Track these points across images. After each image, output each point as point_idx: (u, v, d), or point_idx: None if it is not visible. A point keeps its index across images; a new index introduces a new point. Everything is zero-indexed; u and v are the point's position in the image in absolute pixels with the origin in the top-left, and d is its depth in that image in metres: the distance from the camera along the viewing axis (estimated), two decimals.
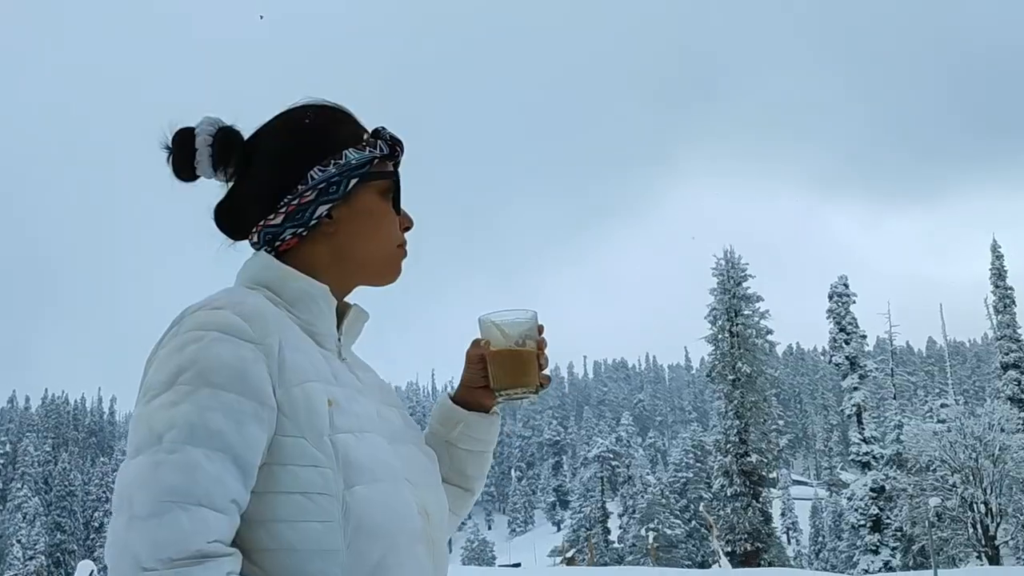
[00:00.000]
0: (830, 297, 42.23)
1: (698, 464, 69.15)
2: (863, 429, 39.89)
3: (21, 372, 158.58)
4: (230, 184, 1.43)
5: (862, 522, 39.10)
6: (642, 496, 64.39)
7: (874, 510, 38.74)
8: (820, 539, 71.67)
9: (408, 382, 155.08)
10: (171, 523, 1.13)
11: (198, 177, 1.41)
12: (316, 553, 1.22)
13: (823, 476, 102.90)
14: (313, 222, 1.38)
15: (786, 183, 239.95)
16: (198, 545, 1.14)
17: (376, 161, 1.43)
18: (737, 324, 42.29)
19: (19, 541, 66.28)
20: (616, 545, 67.15)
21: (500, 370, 1.51)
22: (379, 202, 1.43)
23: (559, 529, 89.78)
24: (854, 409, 40.37)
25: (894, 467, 38.77)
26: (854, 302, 41.97)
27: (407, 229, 1.47)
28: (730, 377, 41.94)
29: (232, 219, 1.42)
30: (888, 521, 38.53)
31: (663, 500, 62.57)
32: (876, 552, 38.74)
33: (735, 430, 41.47)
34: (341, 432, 1.27)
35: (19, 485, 77.42)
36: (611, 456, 72.73)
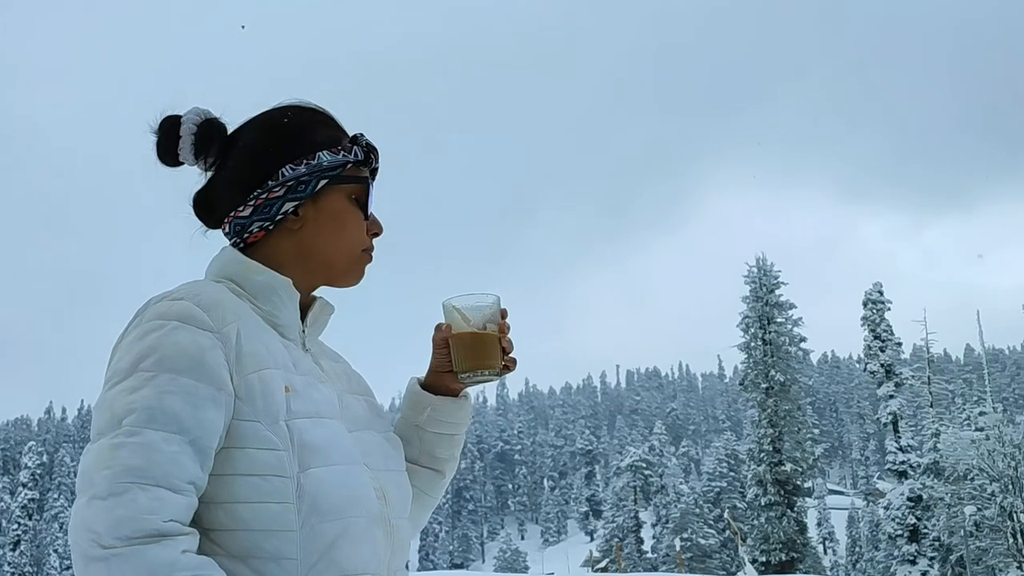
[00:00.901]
0: (864, 304, 41.75)
1: (732, 473, 68.70)
2: (899, 438, 39.37)
3: (57, 383, 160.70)
4: (210, 174, 1.50)
5: (899, 532, 38.56)
6: (675, 505, 64.06)
7: (911, 520, 38.21)
8: (857, 549, 70.80)
9: None
10: (129, 502, 1.18)
11: (181, 163, 1.48)
12: (272, 532, 1.28)
13: (860, 485, 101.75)
14: (279, 217, 1.44)
15: (822, 191, 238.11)
16: (155, 524, 1.19)
17: (349, 166, 1.47)
18: (770, 332, 41.93)
19: (56, 551, 66.99)
20: (650, 555, 66.74)
21: (461, 353, 1.55)
22: (346, 205, 1.48)
23: (592, 539, 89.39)
24: (890, 417, 39.85)
25: (931, 476, 38.23)
26: (889, 309, 41.46)
27: (375, 235, 1.49)
28: (763, 385, 41.58)
29: (208, 207, 1.50)
30: (926, 531, 37.98)
31: (696, 509, 62.18)
32: (913, 562, 38.18)
33: (768, 439, 41.08)
34: (298, 417, 1.33)
35: (56, 495, 78.26)
36: (644, 465, 72.34)
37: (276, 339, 1.40)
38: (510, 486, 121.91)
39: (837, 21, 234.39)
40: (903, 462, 39.23)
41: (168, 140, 1.47)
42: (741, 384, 43.95)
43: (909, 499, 38.53)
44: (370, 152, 1.50)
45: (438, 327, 1.57)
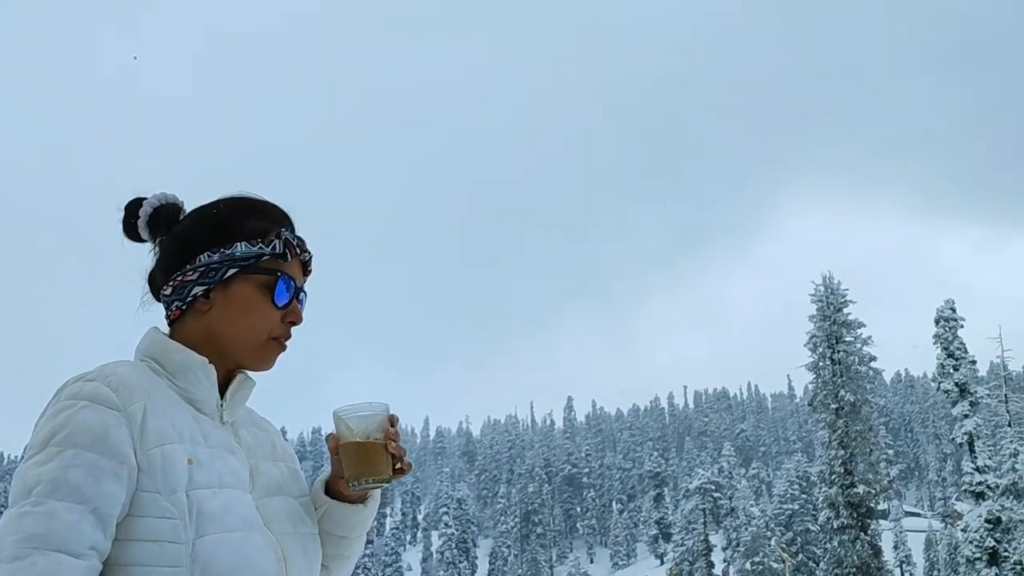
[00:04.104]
0: (936, 322, 40.89)
1: (804, 495, 67.53)
2: (976, 458, 38.40)
3: None
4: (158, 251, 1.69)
5: (977, 555, 37.55)
6: (746, 528, 63.11)
7: (990, 542, 37.18)
8: (935, 573, 68.96)
9: (507, 415, 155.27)
10: (29, 566, 1.33)
11: (145, 241, 1.69)
12: None
13: (937, 507, 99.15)
14: (189, 299, 1.61)
15: (903, 205, 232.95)
16: None
17: (265, 258, 1.62)
18: (838, 351, 41.24)
19: None
20: None
21: (347, 462, 1.65)
22: (254, 294, 1.62)
23: (662, 562, 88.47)
24: (966, 437, 38.90)
25: (1011, 497, 37.20)
26: (962, 326, 40.55)
27: (292, 324, 1.63)
28: (833, 406, 40.86)
29: (152, 283, 1.69)
30: (1006, 554, 36.91)
31: (768, 532, 61.17)
32: None
33: (840, 460, 40.33)
34: (199, 487, 1.47)
35: None
36: (713, 488, 71.42)
37: (188, 414, 1.55)
38: (578, 509, 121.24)
39: (914, 30, 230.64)
40: (980, 483, 38.24)
41: (129, 220, 1.68)
42: (810, 404, 43.26)
43: (987, 521, 37.51)
44: (288, 247, 1.64)
45: (327, 436, 1.68)
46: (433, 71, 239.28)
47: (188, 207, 1.71)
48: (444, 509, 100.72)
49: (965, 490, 39.60)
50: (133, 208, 1.68)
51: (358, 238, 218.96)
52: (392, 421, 1.66)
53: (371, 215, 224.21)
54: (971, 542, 38.05)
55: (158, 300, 1.67)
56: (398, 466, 1.66)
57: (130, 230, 1.69)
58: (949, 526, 68.94)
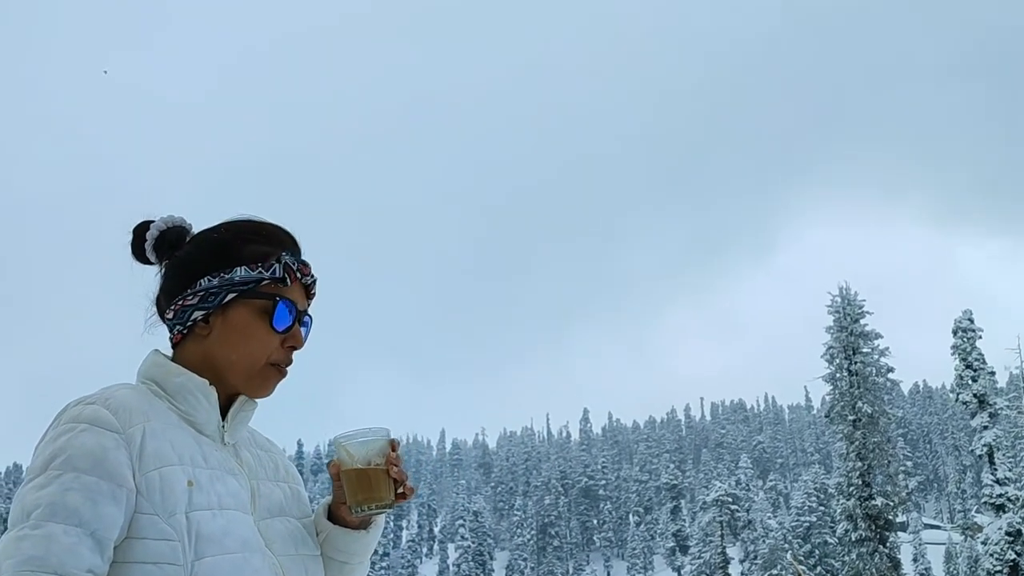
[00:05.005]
0: (954, 333, 40.67)
1: (821, 507, 67.10)
2: (995, 470, 38.10)
3: None
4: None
5: (998, 568, 37.23)
6: (763, 540, 62.80)
7: (1011, 555, 36.86)
8: None
9: (523, 427, 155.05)
10: None
11: (153, 263, 1.70)
12: None
13: (957, 519, 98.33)
14: (189, 323, 1.62)
15: (917, 214, 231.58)
16: None
17: (265, 282, 1.62)
18: (855, 363, 41.06)
19: None
20: None
21: (349, 488, 1.65)
22: (252, 319, 1.62)
23: (679, 575, 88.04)
24: (985, 449, 38.62)
25: None
26: (980, 337, 40.32)
27: (292, 349, 1.63)
28: (850, 417, 40.65)
29: (157, 306, 1.70)
30: None
31: (785, 545, 60.83)
32: None
33: (857, 472, 40.10)
34: (198, 509, 1.48)
35: None
36: (730, 500, 71.10)
37: (189, 436, 1.56)
38: (595, 521, 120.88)
39: (936, 38, 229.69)
40: (1000, 495, 37.94)
41: (137, 242, 1.69)
42: (827, 416, 43.07)
43: (1008, 533, 37.20)
44: (288, 271, 1.64)
45: (328, 463, 1.69)
46: (447, 82, 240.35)
47: (203, 221, 1.71)
48: (460, 521, 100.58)
49: (985, 502, 39.30)
50: (141, 231, 1.69)
51: (374, 250, 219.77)
52: (393, 446, 1.66)
53: (386, 226, 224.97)
54: (992, 555, 37.72)
55: (164, 323, 1.68)
56: (400, 491, 1.66)
57: (138, 253, 1.69)
58: (969, 539, 68.34)
